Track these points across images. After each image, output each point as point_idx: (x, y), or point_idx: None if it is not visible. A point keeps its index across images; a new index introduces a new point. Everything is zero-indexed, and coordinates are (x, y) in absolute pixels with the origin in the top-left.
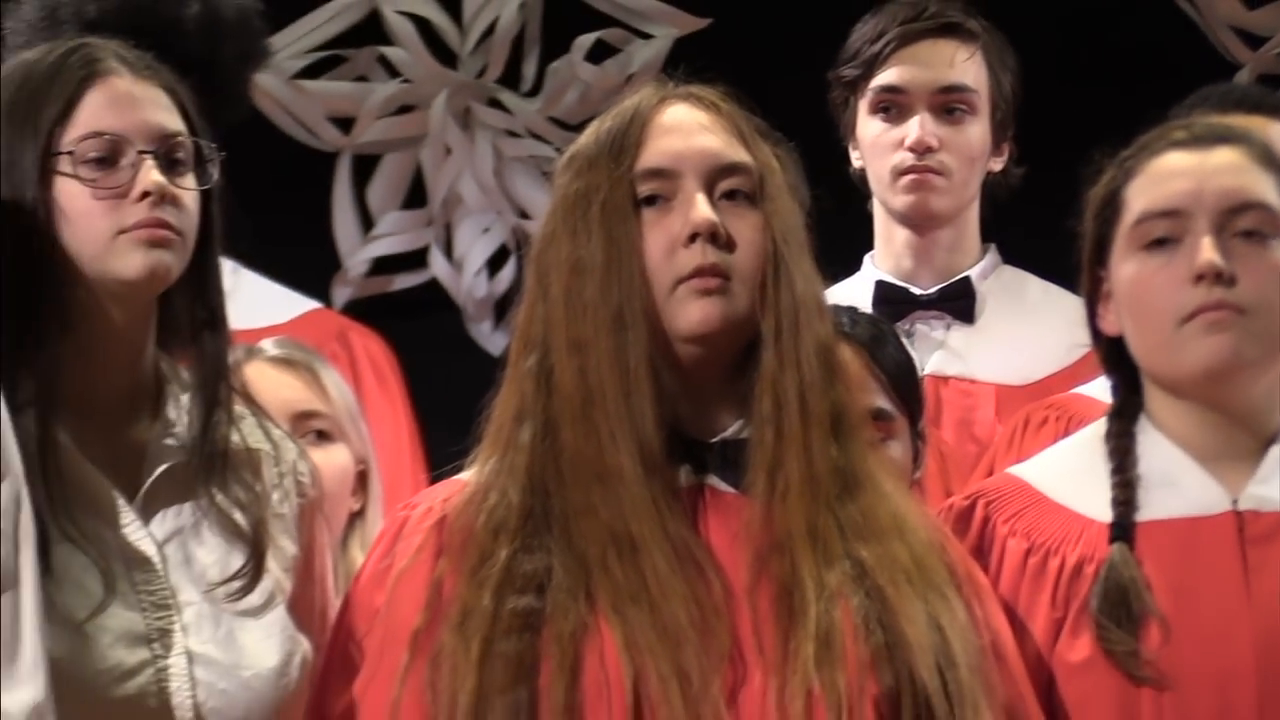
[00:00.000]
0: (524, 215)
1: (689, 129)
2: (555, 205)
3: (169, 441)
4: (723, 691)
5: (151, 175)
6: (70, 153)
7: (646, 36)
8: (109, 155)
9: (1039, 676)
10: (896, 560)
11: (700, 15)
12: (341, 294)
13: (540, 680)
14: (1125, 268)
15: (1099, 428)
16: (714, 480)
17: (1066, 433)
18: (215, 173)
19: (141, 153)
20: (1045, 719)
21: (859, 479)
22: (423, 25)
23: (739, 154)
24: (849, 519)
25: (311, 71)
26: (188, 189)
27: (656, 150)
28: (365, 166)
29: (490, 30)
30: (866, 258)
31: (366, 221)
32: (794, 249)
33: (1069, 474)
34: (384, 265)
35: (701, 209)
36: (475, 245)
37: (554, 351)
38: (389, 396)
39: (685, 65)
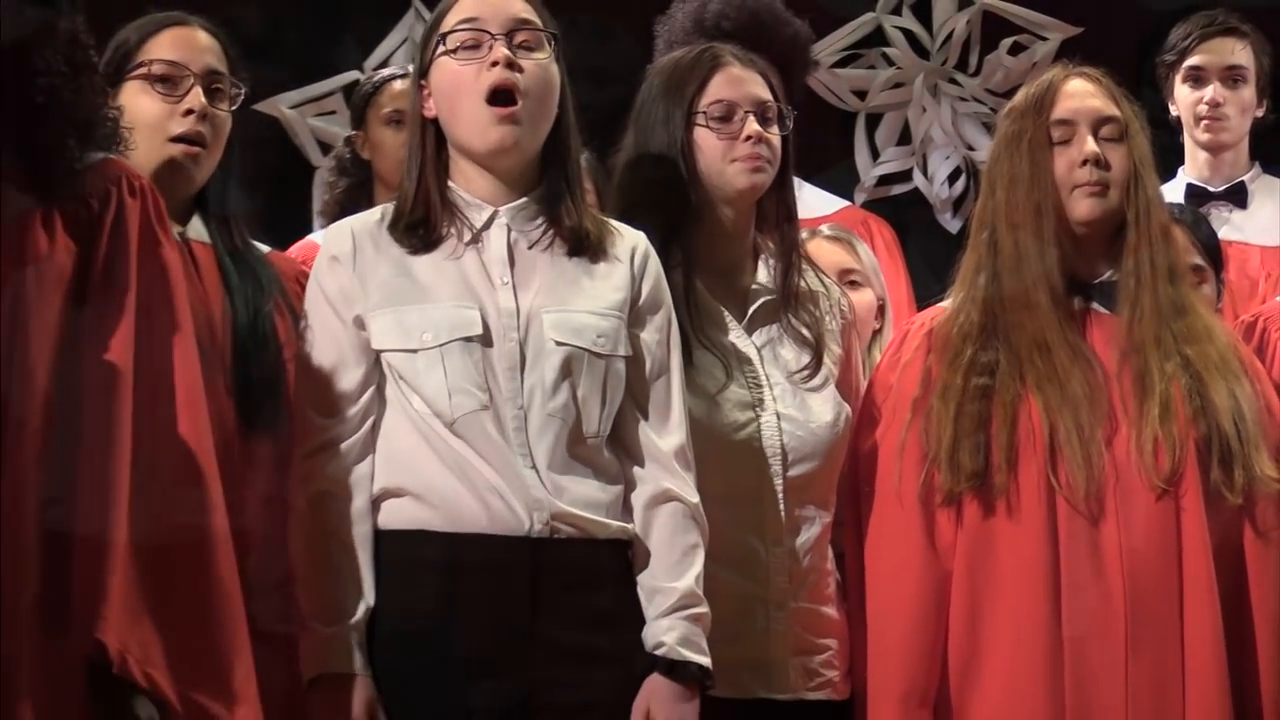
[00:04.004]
0: (970, 149)
1: (1082, 94)
2: (999, 140)
3: (762, 287)
4: (1103, 438)
5: (753, 126)
6: (704, 112)
7: (1044, 39)
8: (728, 115)
9: None
10: (1208, 356)
11: (1076, 26)
12: (859, 197)
13: (991, 429)
14: None
15: None
16: (1096, 307)
17: None
18: (790, 124)
19: (746, 112)
20: None
21: (1185, 306)
22: (908, 34)
23: (1113, 110)
24: (1179, 330)
25: (841, 63)
26: (774, 135)
27: (1062, 108)
28: (873, 120)
29: (949, 36)
30: (1179, 169)
31: (874, 152)
32: (1147, 167)
33: None
34: (885, 179)
35: (1090, 145)
36: (940, 167)
37: (998, 229)
38: (893, 259)
39: (1078, 56)
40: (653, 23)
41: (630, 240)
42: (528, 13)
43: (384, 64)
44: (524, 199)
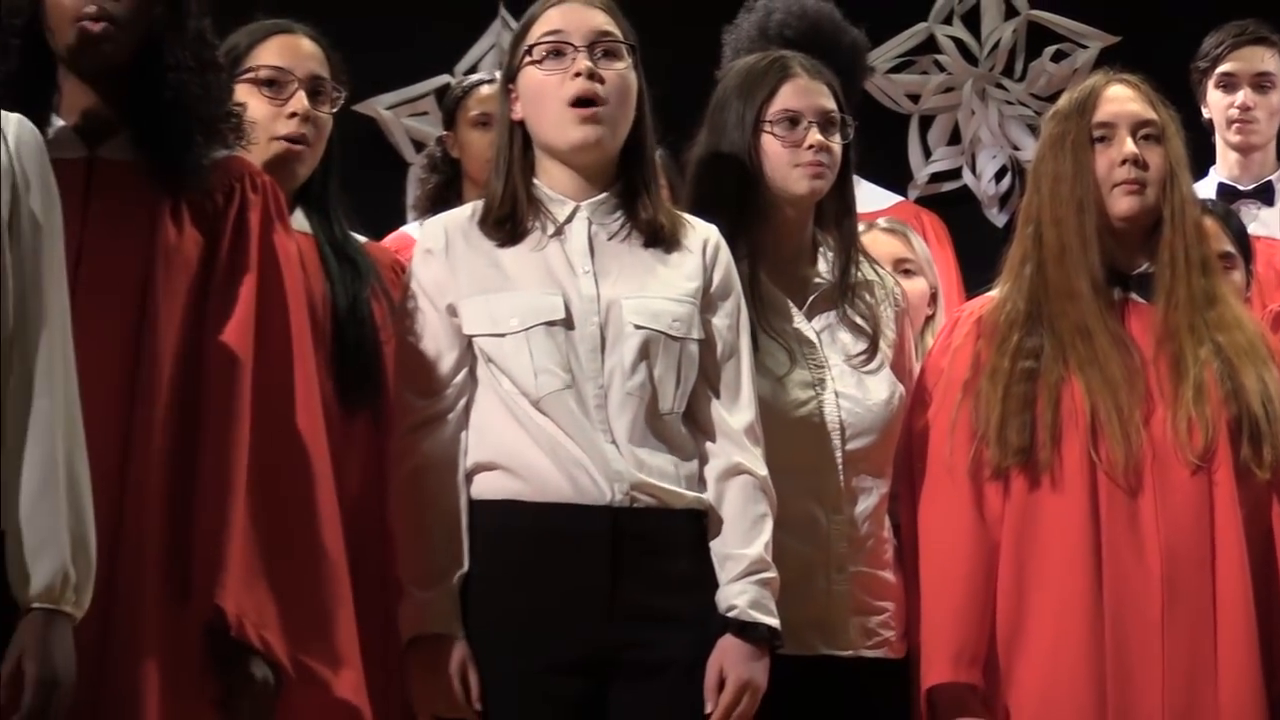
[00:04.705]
0: (1016, 149)
1: (1122, 99)
2: (1044, 140)
3: (821, 278)
4: (1141, 418)
5: (816, 136)
6: (772, 120)
7: (1084, 47)
8: (793, 123)
9: None
10: (1238, 343)
11: (1115, 34)
12: (913, 193)
13: (1036, 409)
14: None
15: None
16: (1134, 296)
17: None
18: (851, 133)
19: (811, 122)
20: None
21: (1216, 296)
22: (959, 42)
23: (1151, 113)
24: (1211, 319)
25: (896, 69)
26: (836, 143)
27: (1103, 111)
28: (926, 122)
29: (996, 44)
30: (1211, 169)
31: (927, 152)
32: (1182, 167)
33: None
34: (936, 177)
35: (1129, 146)
36: (988, 166)
37: (1043, 224)
38: (943, 250)
39: (1117, 63)
40: (677, 26)
41: (702, 232)
42: (609, 25)
43: (473, 69)
44: (604, 194)
